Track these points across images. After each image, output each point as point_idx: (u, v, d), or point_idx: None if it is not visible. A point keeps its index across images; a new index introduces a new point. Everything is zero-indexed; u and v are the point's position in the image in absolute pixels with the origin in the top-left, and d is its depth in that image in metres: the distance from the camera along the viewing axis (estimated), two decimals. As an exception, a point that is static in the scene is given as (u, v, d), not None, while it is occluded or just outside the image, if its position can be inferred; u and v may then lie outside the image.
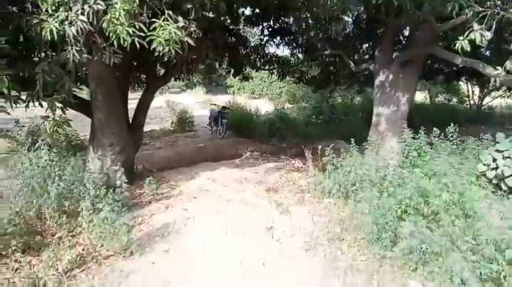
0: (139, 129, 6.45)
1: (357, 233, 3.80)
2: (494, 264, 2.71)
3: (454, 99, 17.40)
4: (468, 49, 3.93)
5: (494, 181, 5.17)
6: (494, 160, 5.36)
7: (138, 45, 3.42)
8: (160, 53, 3.55)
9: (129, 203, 4.54)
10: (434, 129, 5.30)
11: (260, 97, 23.57)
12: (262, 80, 23.21)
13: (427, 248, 2.82)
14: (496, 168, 5.17)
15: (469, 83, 14.00)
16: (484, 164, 5.35)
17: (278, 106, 13.68)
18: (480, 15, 3.99)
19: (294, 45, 9.08)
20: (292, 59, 9.65)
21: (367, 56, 9.97)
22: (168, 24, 3.44)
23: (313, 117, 13.66)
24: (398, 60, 6.59)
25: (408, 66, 6.46)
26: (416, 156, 4.30)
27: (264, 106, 14.99)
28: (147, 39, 3.45)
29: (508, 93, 14.34)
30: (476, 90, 14.83)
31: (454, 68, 10.28)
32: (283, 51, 27.49)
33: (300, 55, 9.53)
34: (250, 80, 10.53)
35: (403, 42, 8.15)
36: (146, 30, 3.44)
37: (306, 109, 15.47)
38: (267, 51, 9.05)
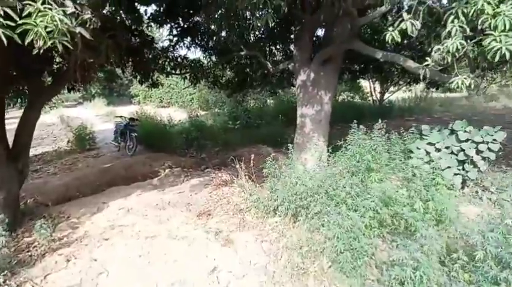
0: (24, 155, 5.05)
1: (321, 260, 3.15)
2: (502, 285, 2.30)
3: (357, 97, 18.49)
4: (399, 40, 3.73)
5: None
6: (427, 153, 5.34)
7: (5, 41, 2.35)
8: (41, 50, 2.49)
9: (12, 262, 3.26)
10: (361, 126, 5.07)
11: (169, 106, 22.34)
12: (171, 87, 21.99)
13: (421, 276, 2.30)
14: (430, 161, 5.11)
15: (370, 80, 14.84)
16: (418, 159, 5.28)
17: (191, 114, 12.77)
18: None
19: (206, 46, 8.34)
20: (205, 62, 8.87)
21: (280, 57, 9.70)
22: (49, 9, 2.42)
23: (230, 123, 13.13)
24: (318, 58, 6.33)
25: (328, 63, 6.26)
26: (370, 160, 3.85)
27: (175, 115, 13.96)
28: (19, 29, 2.38)
29: (408, 88, 15.54)
30: (377, 86, 15.83)
31: (362, 65, 10.61)
32: (195, 53, 26.60)
33: (213, 57, 8.80)
34: (159, 87, 9.44)
35: (321, 39, 7.97)
36: (17, 18, 2.38)
37: (221, 115, 14.86)
38: (177, 54, 8.16)
